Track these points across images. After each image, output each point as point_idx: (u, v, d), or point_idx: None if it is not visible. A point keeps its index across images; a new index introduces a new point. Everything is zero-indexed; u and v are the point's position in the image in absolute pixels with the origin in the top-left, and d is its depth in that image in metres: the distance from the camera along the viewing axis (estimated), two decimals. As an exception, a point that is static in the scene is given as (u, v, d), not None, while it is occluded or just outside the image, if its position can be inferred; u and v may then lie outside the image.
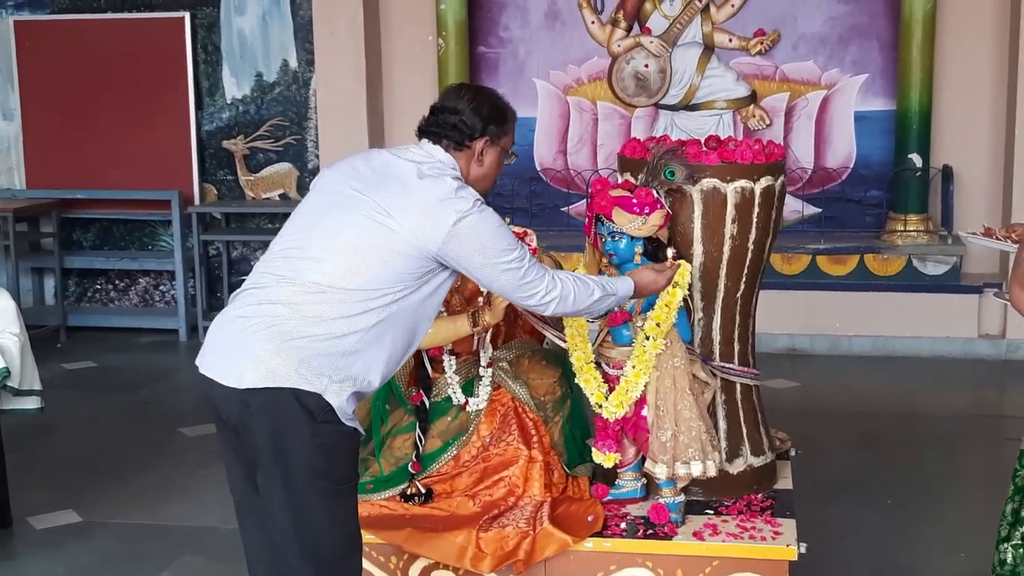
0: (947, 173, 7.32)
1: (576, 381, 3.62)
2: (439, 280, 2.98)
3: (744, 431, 3.75)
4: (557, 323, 3.67)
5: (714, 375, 3.62)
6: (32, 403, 4.80)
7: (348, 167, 3.04)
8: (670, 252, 3.46)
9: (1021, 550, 3.77)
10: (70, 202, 8.25)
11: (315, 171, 8.03)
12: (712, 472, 3.46)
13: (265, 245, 3.16)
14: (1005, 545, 3.81)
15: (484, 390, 3.68)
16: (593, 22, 7.77)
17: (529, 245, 3.66)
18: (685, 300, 3.46)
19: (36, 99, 8.36)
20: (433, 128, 3.05)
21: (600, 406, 3.53)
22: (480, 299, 3.63)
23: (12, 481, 4.83)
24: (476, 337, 3.70)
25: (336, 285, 2.84)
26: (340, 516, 2.92)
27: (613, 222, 3.38)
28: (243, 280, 3.04)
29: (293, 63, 8.11)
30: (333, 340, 2.82)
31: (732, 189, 3.52)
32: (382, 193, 2.91)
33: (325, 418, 2.81)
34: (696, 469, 3.43)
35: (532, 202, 7.81)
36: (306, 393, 2.78)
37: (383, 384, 3.00)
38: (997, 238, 3.70)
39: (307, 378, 2.78)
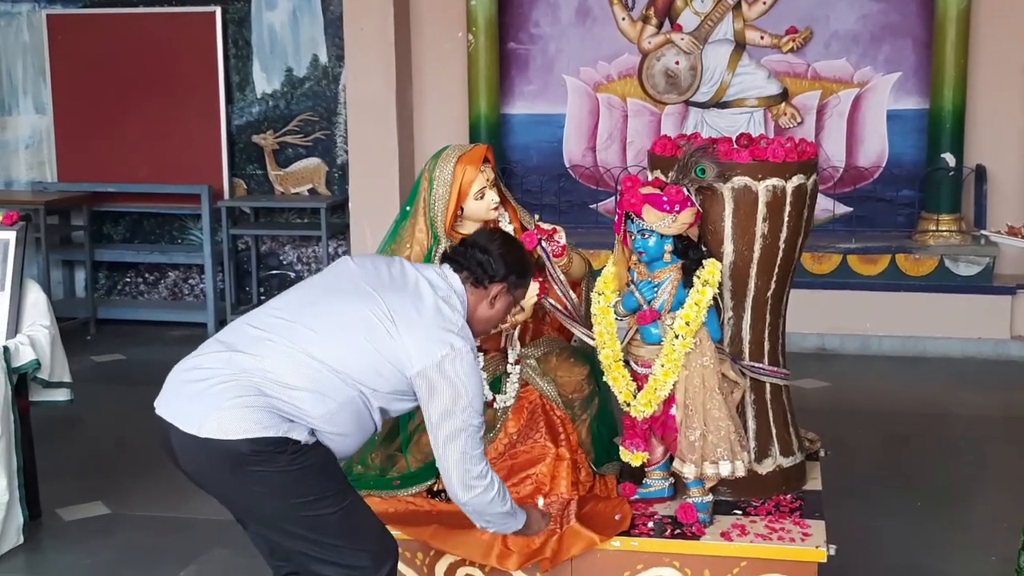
0: (980, 173, 7.25)
1: (604, 379, 3.60)
2: (399, 405, 3.03)
3: (773, 431, 3.72)
4: (585, 320, 3.66)
5: (743, 374, 3.59)
6: (62, 395, 4.82)
7: (371, 265, 3.09)
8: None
9: None
10: (101, 195, 8.30)
11: (344, 166, 8.04)
12: (741, 472, 3.44)
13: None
14: None
15: (512, 387, 3.67)
16: (624, 18, 7.74)
17: (558, 242, 3.65)
18: (715, 299, 3.43)
19: (68, 93, 8.40)
20: (459, 258, 3.11)
21: (628, 404, 3.51)
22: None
23: (42, 472, 4.85)
24: (504, 334, 3.68)
25: (319, 358, 2.88)
26: (354, 518, 2.97)
27: (643, 219, 3.36)
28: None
29: (323, 58, 8.12)
30: (297, 409, 2.85)
31: (763, 187, 3.49)
32: (392, 297, 2.95)
33: (294, 449, 2.84)
34: (725, 469, 3.41)
35: (561, 199, 7.79)
36: (268, 439, 2.80)
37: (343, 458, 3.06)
38: (1022, 236, 3.68)
39: (267, 427, 2.81)
